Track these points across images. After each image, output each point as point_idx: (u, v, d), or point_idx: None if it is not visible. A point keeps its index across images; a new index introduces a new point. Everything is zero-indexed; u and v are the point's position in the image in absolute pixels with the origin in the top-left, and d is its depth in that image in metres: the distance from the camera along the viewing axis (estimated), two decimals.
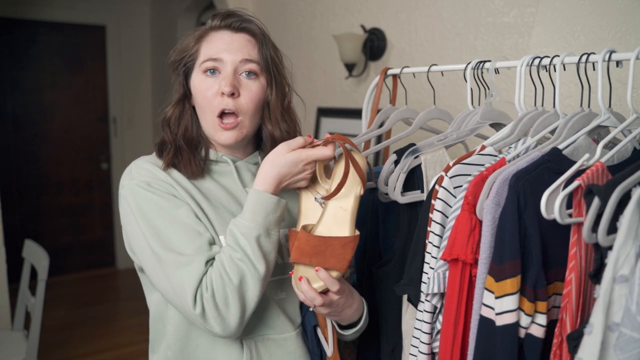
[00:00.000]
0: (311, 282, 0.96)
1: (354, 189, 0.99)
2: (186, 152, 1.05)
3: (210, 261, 0.96)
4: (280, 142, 1.07)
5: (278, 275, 1.08)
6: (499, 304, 0.81)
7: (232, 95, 1.01)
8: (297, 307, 1.12)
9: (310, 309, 1.10)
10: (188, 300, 0.92)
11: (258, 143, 1.15)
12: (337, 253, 0.95)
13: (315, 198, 1.03)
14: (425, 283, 0.97)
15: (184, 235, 0.96)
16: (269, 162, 0.98)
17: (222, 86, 1.01)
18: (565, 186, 0.79)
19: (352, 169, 0.98)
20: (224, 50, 1.02)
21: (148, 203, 0.99)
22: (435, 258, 0.95)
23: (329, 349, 1.07)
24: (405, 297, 1.10)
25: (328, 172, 1.05)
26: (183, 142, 1.06)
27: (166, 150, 1.06)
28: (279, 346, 1.06)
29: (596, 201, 0.70)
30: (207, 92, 1.02)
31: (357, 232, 0.99)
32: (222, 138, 1.04)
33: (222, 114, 1.03)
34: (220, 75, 1.03)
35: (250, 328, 1.02)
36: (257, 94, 1.05)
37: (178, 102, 1.08)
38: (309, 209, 1.03)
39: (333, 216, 0.99)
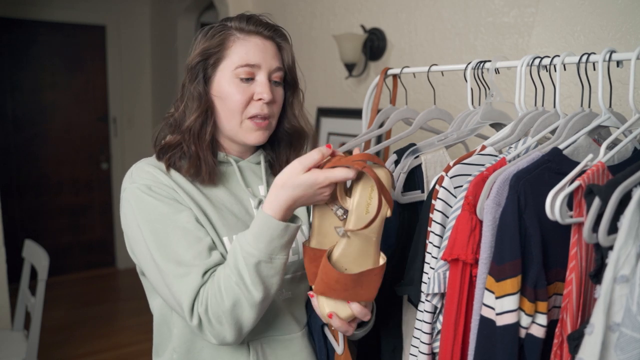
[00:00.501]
0: (339, 314, 0.93)
1: (381, 212, 0.88)
2: (211, 159, 1.04)
3: (209, 271, 0.95)
4: (303, 134, 1.12)
5: None
6: (499, 304, 0.81)
7: (269, 102, 1.03)
8: (303, 307, 1.12)
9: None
10: (185, 311, 0.92)
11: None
12: (368, 285, 0.90)
13: (336, 230, 0.92)
14: (425, 283, 0.96)
15: (184, 242, 0.95)
16: (280, 183, 0.90)
17: (261, 93, 1.02)
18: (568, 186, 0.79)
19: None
20: (260, 58, 1.02)
21: (148, 207, 0.98)
22: (436, 258, 0.95)
23: (340, 347, 1.05)
24: (405, 297, 1.10)
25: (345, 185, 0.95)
26: (206, 150, 1.03)
27: (180, 156, 1.03)
28: (284, 347, 1.06)
29: (597, 201, 0.70)
30: (241, 96, 1.02)
31: (384, 258, 0.92)
32: (252, 137, 1.05)
33: (253, 117, 1.04)
34: (254, 82, 1.03)
35: (256, 329, 1.02)
36: (282, 99, 1.09)
37: (203, 109, 1.03)
38: (325, 224, 0.95)
39: (359, 246, 0.91)
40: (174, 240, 0.95)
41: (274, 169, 1.15)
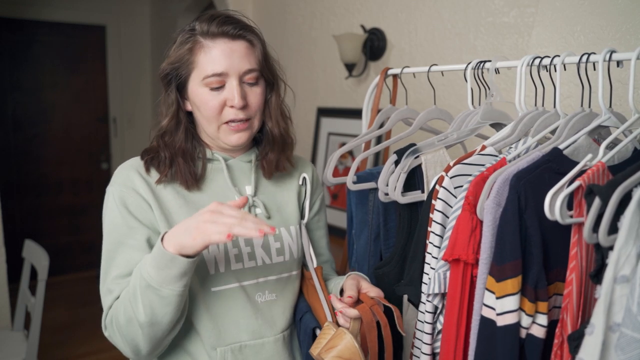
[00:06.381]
0: None
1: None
2: (183, 165, 1.04)
3: None
4: (279, 140, 1.09)
5: (262, 276, 1.06)
6: (499, 305, 0.81)
7: (242, 107, 1.01)
8: (287, 310, 1.10)
9: (308, 312, 1.08)
10: (102, 320, 1.00)
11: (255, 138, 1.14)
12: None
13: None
14: (426, 284, 0.96)
15: (124, 258, 0.98)
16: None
17: (232, 100, 1.00)
18: (567, 187, 0.79)
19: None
20: (226, 63, 0.99)
21: (112, 214, 1.01)
22: (436, 258, 0.95)
23: None
24: (405, 297, 1.10)
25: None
26: (180, 155, 1.04)
27: (157, 160, 1.05)
28: (256, 352, 1.05)
29: (597, 201, 0.70)
30: (213, 103, 1.01)
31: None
32: (233, 140, 1.04)
33: (229, 122, 1.03)
34: (225, 87, 1.01)
35: (225, 335, 1.02)
36: (261, 96, 1.06)
37: (173, 114, 1.05)
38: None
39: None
40: (119, 254, 0.99)
41: (262, 168, 1.12)
